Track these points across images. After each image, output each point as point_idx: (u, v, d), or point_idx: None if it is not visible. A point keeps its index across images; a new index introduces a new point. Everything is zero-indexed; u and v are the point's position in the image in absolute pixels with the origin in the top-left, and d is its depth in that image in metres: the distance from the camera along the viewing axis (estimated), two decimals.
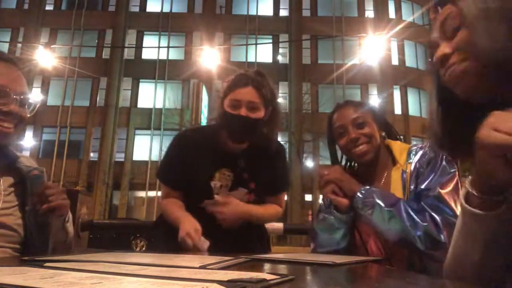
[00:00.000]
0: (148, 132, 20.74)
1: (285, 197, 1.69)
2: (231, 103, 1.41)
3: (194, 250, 1.27)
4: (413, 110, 21.43)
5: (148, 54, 22.00)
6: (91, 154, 20.87)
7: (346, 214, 1.25)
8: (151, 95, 21.23)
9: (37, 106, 1.18)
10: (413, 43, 21.86)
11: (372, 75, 20.70)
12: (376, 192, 1.19)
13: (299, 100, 20.51)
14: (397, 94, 21.40)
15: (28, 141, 19.62)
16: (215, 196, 1.48)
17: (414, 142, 2.21)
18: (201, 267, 0.66)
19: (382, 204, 1.16)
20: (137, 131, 21.10)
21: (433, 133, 0.77)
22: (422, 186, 1.17)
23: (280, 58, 22.43)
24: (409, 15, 21.67)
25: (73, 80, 20.99)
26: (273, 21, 22.40)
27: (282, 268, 0.87)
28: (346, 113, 1.35)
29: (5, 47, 18.13)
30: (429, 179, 1.17)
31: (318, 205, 1.47)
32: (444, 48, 0.71)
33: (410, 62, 21.98)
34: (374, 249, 1.26)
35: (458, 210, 1.10)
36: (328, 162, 1.42)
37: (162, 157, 1.63)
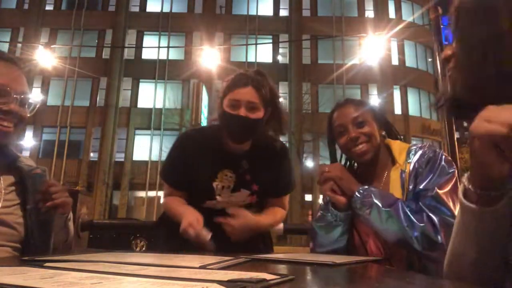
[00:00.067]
0: (148, 132, 20.74)
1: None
2: (230, 103, 1.40)
3: (197, 239, 1.26)
4: (413, 110, 21.43)
5: (148, 54, 22.00)
6: (91, 154, 20.87)
7: (344, 212, 1.25)
8: (151, 95, 21.23)
9: (37, 106, 1.18)
10: (413, 43, 21.86)
11: (372, 75, 20.70)
12: (374, 192, 1.19)
13: (299, 100, 20.51)
14: (397, 94, 21.40)
15: (28, 141, 19.62)
16: (217, 197, 1.48)
17: (414, 142, 2.22)
18: (201, 267, 0.66)
19: (380, 204, 1.15)
20: (137, 131, 21.10)
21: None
22: (421, 187, 1.17)
23: (280, 58, 22.43)
24: (409, 15, 21.67)
25: (73, 80, 20.99)
26: (273, 21, 22.40)
27: (282, 268, 0.87)
28: (346, 112, 1.34)
29: (5, 47, 18.13)
30: (428, 180, 1.17)
31: (318, 205, 1.47)
32: (447, 51, 0.73)
33: (410, 62, 21.98)
34: (373, 249, 1.26)
35: (456, 211, 1.10)
36: (328, 162, 1.42)
37: (165, 157, 1.62)
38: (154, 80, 21.29)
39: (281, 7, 22.91)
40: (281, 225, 2.97)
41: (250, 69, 1.50)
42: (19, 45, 19.43)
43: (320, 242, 1.32)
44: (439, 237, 1.06)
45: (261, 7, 22.65)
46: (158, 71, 21.18)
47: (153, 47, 21.80)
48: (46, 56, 11.25)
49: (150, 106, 21.11)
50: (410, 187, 1.21)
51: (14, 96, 1.09)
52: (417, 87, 21.66)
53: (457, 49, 0.70)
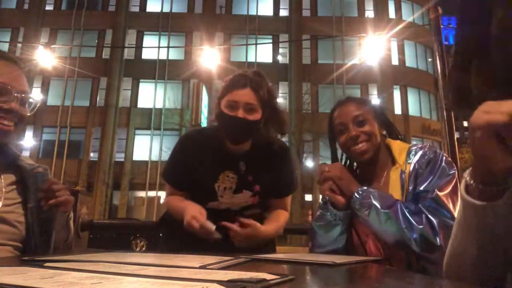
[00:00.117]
0: (148, 132, 20.74)
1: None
2: (229, 104, 1.40)
3: (202, 231, 1.25)
4: (413, 110, 21.43)
5: (148, 54, 22.00)
6: (91, 154, 20.87)
7: (343, 211, 1.25)
8: (151, 95, 21.23)
9: (37, 105, 1.19)
10: (413, 43, 21.86)
11: (372, 75, 20.70)
12: (373, 193, 1.18)
13: (299, 100, 20.51)
14: (397, 94, 21.40)
15: (28, 141, 19.62)
16: (219, 198, 1.48)
17: (414, 142, 2.21)
18: (201, 267, 0.66)
19: (379, 206, 1.15)
20: (137, 131, 21.11)
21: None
22: (421, 188, 1.16)
23: (280, 58, 22.42)
24: (409, 15, 21.68)
25: (73, 80, 20.99)
26: (273, 21, 22.40)
27: (282, 268, 0.87)
28: (347, 110, 1.34)
29: (5, 47, 18.13)
30: (428, 181, 1.16)
31: (318, 205, 1.47)
32: None
33: (410, 62, 21.98)
34: (373, 250, 1.25)
35: (456, 213, 1.09)
36: (328, 162, 1.41)
37: (167, 158, 1.62)
38: (154, 80, 21.29)
39: (281, 7, 22.91)
40: None
41: (248, 70, 1.49)
42: (19, 45, 19.42)
43: (319, 242, 1.32)
44: (437, 239, 1.06)
45: (261, 7, 22.66)
46: (158, 71, 21.18)
47: (153, 47, 21.80)
48: (46, 56, 11.23)
49: (150, 106, 21.11)
50: (410, 188, 1.20)
51: (15, 95, 1.09)
52: (417, 87, 21.66)
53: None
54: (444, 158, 1.21)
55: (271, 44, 22.06)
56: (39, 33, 21.67)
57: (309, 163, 19.64)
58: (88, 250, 2.09)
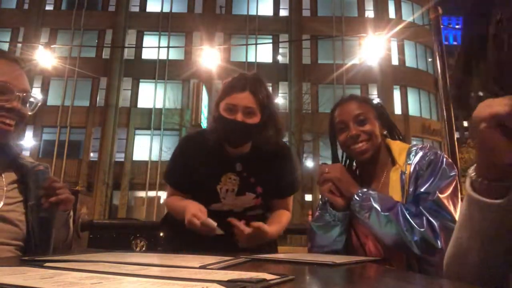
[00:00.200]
0: (148, 132, 20.74)
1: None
2: (227, 107, 1.39)
3: (204, 228, 1.25)
4: (413, 110, 21.43)
5: (148, 54, 22.01)
6: (91, 154, 20.87)
7: (342, 212, 1.24)
8: (151, 95, 21.23)
9: (39, 104, 1.19)
10: (413, 43, 21.86)
11: (372, 75, 20.71)
12: (373, 196, 1.17)
13: (299, 100, 20.51)
14: (397, 94, 21.40)
15: (28, 141, 19.62)
16: (222, 200, 1.48)
17: (414, 142, 2.20)
18: (201, 267, 0.66)
19: (379, 208, 1.14)
20: (137, 131, 21.11)
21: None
22: (422, 190, 1.15)
23: (280, 58, 22.42)
24: (409, 15, 21.68)
25: (73, 80, 21.00)
26: (273, 21, 22.40)
27: (282, 268, 0.87)
28: (348, 108, 1.32)
29: (5, 47, 18.12)
30: (429, 183, 1.15)
31: (317, 205, 1.46)
32: None
33: (410, 62, 21.98)
34: (372, 251, 1.24)
35: (456, 215, 1.09)
36: (328, 162, 1.40)
37: (169, 159, 1.61)
38: (154, 80, 21.29)
39: (281, 7, 22.91)
40: None
41: (247, 72, 1.49)
42: (19, 45, 19.42)
43: (318, 243, 1.31)
44: (438, 242, 1.05)
45: (261, 7, 22.66)
46: (158, 71, 21.19)
47: (153, 47, 21.81)
48: (46, 56, 11.23)
49: (150, 106, 21.11)
50: (411, 189, 1.19)
51: (17, 94, 1.09)
52: (417, 87, 21.66)
53: None
54: (445, 159, 1.20)
55: (271, 44, 22.06)
56: (39, 33, 21.67)
57: (309, 163, 19.63)
58: (88, 250, 2.09)
